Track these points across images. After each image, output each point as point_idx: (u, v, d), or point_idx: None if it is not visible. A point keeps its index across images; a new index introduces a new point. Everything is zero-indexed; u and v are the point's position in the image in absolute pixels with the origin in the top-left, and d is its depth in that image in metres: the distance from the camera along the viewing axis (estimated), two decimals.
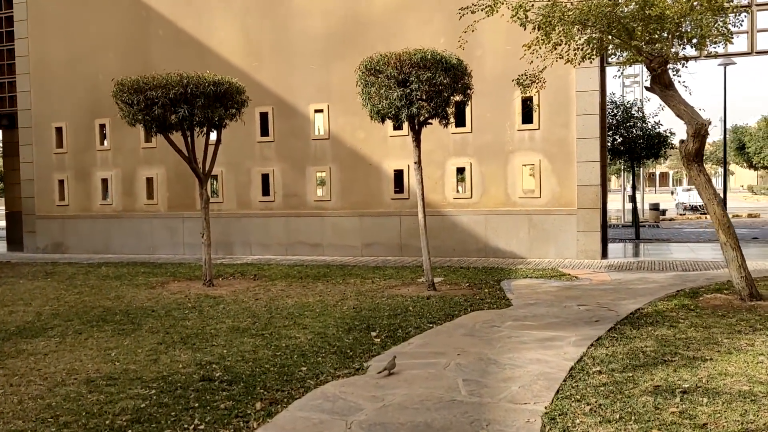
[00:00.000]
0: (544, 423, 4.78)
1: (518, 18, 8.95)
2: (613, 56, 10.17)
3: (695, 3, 8.44)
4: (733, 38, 9.48)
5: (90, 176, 18.68)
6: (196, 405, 5.30)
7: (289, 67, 16.67)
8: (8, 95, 20.00)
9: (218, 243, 16.77)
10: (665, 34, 9.00)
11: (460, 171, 15.56)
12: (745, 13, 11.52)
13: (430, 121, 10.88)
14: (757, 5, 14.69)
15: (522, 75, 10.05)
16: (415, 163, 10.93)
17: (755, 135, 56.76)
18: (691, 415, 4.83)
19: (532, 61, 9.50)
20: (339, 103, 16.16)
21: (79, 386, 5.87)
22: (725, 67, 27.61)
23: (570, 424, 4.73)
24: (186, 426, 4.87)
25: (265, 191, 17.05)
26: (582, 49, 9.27)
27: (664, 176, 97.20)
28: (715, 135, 52.28)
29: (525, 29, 9.11)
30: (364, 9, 16.03)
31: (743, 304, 8.84)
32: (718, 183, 50.81)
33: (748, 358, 6.24)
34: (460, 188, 15.72)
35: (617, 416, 4.84)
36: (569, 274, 12.37)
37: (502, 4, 9.02)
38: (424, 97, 10.19)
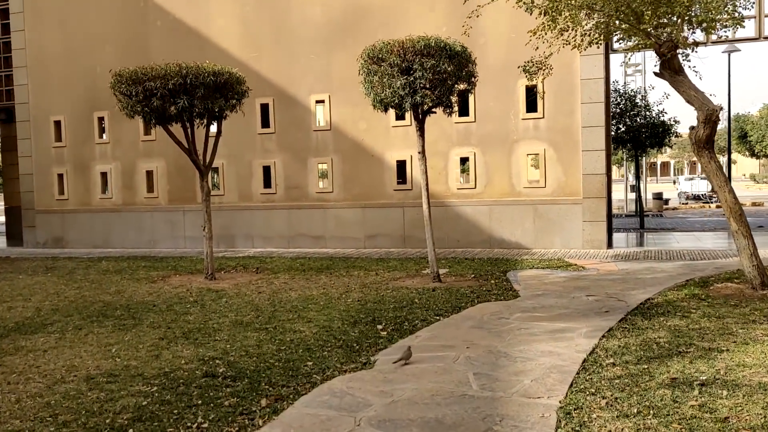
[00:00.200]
0: (560, 418, 4.61)
1: (524, 3, 8.76)
2: (621, 42, 9.97)
3: None
4: (743, 22, 9.26)
5: (89, 170, 18.50)
6: (200, 402, 5.14)
7: (290, 57, 16.46)
8: (5, 89, 19.81)
9: (220, 236, 16.62)
10: (675, 18, 8.81)
11: (464, 161, 15.38)
12: None
13: (434, 110, 10.68)
14: None
15: (528, 62, 9.85)
16: (419, 153, 10.74)
17: (757, 123, 56.50)
18: (711, 409, 4.67)
19: (537, 48, 9.31)
20: (340, 93, 15.96)
21: (79, 383, 5.71)
22: (729, 54, 27.38)
23: (586, 419, 4.57)
24: (189, 424, 4.71)
25: (267, 183, 16.87)
26: (589, 35, 9.07)
27: (665, 166, 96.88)
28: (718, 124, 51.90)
29: (531, 14, 8.91)
30: None
31: (755, 293, 8.67)
32: None
33: (765, 349, 6.07)
34: (463, 178, 15.54)
35: (635, 410, 4.68)
36: (576, 264, 12.21)
37: None
38: (428, 86, 9.98)
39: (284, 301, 9.37)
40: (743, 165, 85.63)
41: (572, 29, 8.87)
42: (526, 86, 14.60)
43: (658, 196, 30.33)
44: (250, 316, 8.40)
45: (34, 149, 19.05)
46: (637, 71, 38.61)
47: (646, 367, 5.67)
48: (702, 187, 40.32)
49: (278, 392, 5.32)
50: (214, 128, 12.15)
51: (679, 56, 9.04)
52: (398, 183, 15.80)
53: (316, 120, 16.46)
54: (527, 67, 9.88)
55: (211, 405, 5.07)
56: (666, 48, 8.83)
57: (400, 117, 15.09)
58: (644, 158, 34.15)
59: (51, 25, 18.62)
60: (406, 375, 5.70)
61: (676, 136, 21.86)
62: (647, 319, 7.52)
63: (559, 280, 10.63)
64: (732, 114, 34.94)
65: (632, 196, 29.98)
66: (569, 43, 9.14)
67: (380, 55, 10.05)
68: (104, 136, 18.31)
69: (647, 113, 20.55)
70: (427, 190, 10.78)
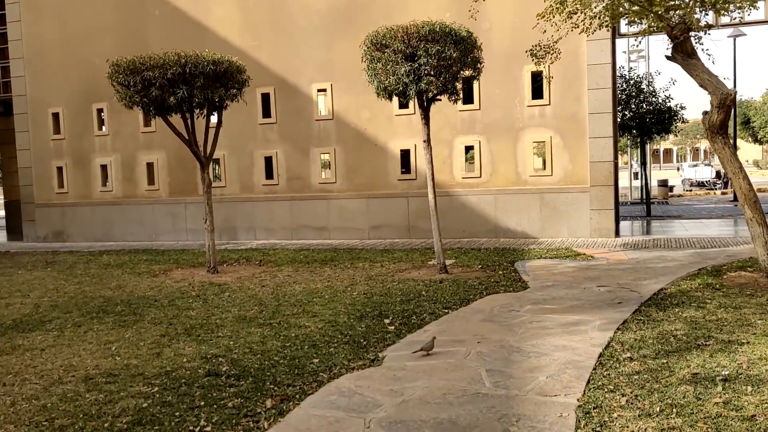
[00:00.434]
0: (579, 418, 4.41)
1: None
2: (632, 25, 9.69)
3: None
4: (757, 2, 8.98)
5: (89, 162, 18.26)
6: (202, 403, 4.93)
7: (290, 46, 16.17)
8: (2, 81, 19.54)
9: (222, 228, 16.41)
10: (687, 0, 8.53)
11: (469, 149, 15.13)
12: None
13: (439, 97, 10.43)
14: None
15: (536, 45, 9.58)
16: (424, 141, 10.50)
17: (760, 109, 55.97)
18: (736, 406, 4.46)
19: (545, 31, 9.05)
20: (342, 82, 15.69)
21: (77, 384, 5.51)
22: (735, 39, 27.02)
23: (607, 419, 4.36)
24: (191, 428, 4.50)
25: (269, 174, 16.63)
26: (599, 17, 8.80)
27: (668, 152, 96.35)
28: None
29: None
30: None
31: None
32: None
33: None
34: (468, 167, 15.29)
35: (657, 409, 4.46)
36: (584, 254, 11.98)
37: None
38: (433, 72, 9.73)
39: (288, 294, 9.16)
40: (746, 151, 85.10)
41: (581, 12, 8.61)
42: (532, 72, 14.32)
43: (663, 183, 30.01)
44: (254, 310, 8.20)
45: (33, 142, 18.80)
46: (641, 57, 38.19)
47: (664, 361, 5.46)
48: (706, 173, 39.99)
49: (284, 392, 5.12)
50: (214, 119, 11.90)
51: (692, 39, 8.78)
52: (402, 172, 15.55)
53: (318, 109, 16.20)
54: (535, 51, 9.62)
55: (214, 406, 4.87)
56: (678, 30, 8.57)
57: (403, 105, 14.82)
58: (648, 145, 33.83)
59: (47, 15, 18.33)
60: (416, 372, 5.49)
61: (683, 122, 21.56)
62: (662, 310, 7.30)
63: (568, 270, 10.40)
64: (736, 99, 34.57)
65: (637, 183, 29.68)
66: (578, 27, 8.88)
67: (384, 41, 9.78)
68: (103, 127, 18.06)
69: (653, 99, 20.27)
70: (433, 179, 10.54)
